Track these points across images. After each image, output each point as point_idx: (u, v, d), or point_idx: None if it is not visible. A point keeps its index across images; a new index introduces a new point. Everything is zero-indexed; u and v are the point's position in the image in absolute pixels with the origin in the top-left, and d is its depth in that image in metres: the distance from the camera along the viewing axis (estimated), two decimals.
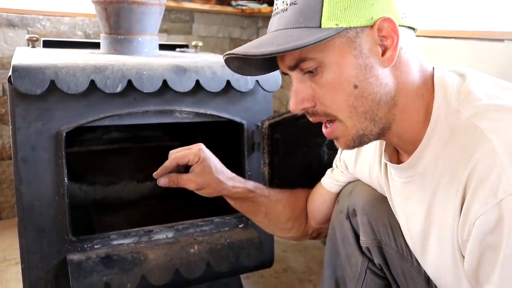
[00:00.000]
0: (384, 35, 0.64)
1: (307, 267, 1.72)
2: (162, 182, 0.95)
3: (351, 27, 0.63)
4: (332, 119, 0.70)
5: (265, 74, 0.78)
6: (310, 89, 0.69)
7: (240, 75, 1.21)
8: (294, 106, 0.70)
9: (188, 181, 0.96)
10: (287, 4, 0.66)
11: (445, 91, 0.67)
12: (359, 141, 0.70)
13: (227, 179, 0.99)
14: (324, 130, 0.72)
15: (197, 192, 0.99)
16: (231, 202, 1.05)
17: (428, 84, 0.69)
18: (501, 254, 0.57)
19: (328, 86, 0.67)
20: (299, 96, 0.69)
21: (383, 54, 0.65)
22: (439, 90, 0.68)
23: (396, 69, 0.67)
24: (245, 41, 2.44)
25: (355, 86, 0.65)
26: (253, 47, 0.67)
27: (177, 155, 0.97)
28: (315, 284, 1.60)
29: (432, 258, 0.74)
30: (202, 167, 0.96)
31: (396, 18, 0.65)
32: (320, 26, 0.63)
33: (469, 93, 0.65)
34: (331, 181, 1.01)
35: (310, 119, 0.72)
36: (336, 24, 0.63)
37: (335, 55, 0.65)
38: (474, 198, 0.59)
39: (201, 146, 0.99)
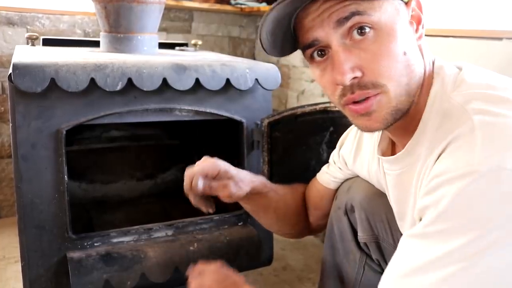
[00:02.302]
0: (413, 14, 0.68)
1: (306, 265, 1.73)
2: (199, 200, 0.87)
3: None
4: (377, 92, 0.65)
5: (288, 53, 0.73)
6: (357, 57, 0.64)
7: (242, 73, 1.23)
8: (342, 76, 0.63)
9: (222, 186, 0.90)
10: None
11: (443, 80, 0.68)
12: (394, 116, 0.66)
13: (246, 176, 0.97)
14: (357, 106, 0.66)
15: (230, 196, 0.93)
16: (246, 202, 1.01)
17: (431, 71, 0.71)
18: (437, 211, 0.57)
19: (383, 49, 0.63)
20: (347, 64, 0.63)
21: (415, 30, 0.68)
22: (437, 78, 0.69)
23: (421, 49, 0.69)
24: (244, 40, 2.45)
25: (404, 53, 0.64)
26: None
27: (196, 169, 0.90)
28: (314, 282, 1.60)
29: None
30: (225, 177, 0.92)
31: None
32: None
33: (463, 82, 0.66)
34: (328, 177, 1.01)
35: (353, 95, 0.65)
36: None
37: (389, 18, 0.63)
38: (438, 165, 0.60)
39: (213, 158, 0.95)
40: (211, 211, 0.88)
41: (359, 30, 0.63)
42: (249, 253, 1.25)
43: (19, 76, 0.99)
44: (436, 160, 0.62)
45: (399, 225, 0.83)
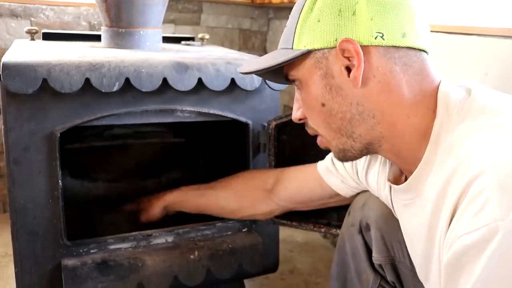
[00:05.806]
0: (348, 56, 0.64)
1: (314, 268, 1.67)
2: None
3: (317, 49, 0.66)
4: (317, 134, 0.74)
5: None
6: (300, 104, 0.74)
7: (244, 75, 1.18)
8: (293, 114, 0.77)
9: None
10: (285, 26, 0.72)
11: (447, 109, 0.63)
12: (343, 155, 0.72)
13: (154, 199, 1.24)
14: (317, 140, 0.76)
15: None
16: (182, 211, 1.22)
17: (430, 102, 0.65)
18: (473, 277, 0.53)
19: (305, 102, 0.72)
20: (295, 106, 0.76)
21: (349, 75, 0.65)
22: (441, 107, 0.64)
23: (372, 88, 0.65)
24: (255, 32, 2.37)
25: (323, 104, 0.68)
26: (249, 63, 0.78)
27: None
28: (322, 287, 1.55)
29: (433, 283, 0.70)
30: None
31: (364, 39, 0.63)
32: (292, 48, 0.68)
33: (470, 110, 0.61)
34: (338, 177, 0.97)
35: (307, 130, 0.76)
36: (304, 46, 0.67)
37: (304, 74, 0.69)
38: (459, 221, 0.56)
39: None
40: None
41: (294, 83, 0.73)
42: (253, 261, 1.20)
43: (9, 76, 0.94)
44: (453, 212, 0.58)
45: (419, 271, 0.77)
